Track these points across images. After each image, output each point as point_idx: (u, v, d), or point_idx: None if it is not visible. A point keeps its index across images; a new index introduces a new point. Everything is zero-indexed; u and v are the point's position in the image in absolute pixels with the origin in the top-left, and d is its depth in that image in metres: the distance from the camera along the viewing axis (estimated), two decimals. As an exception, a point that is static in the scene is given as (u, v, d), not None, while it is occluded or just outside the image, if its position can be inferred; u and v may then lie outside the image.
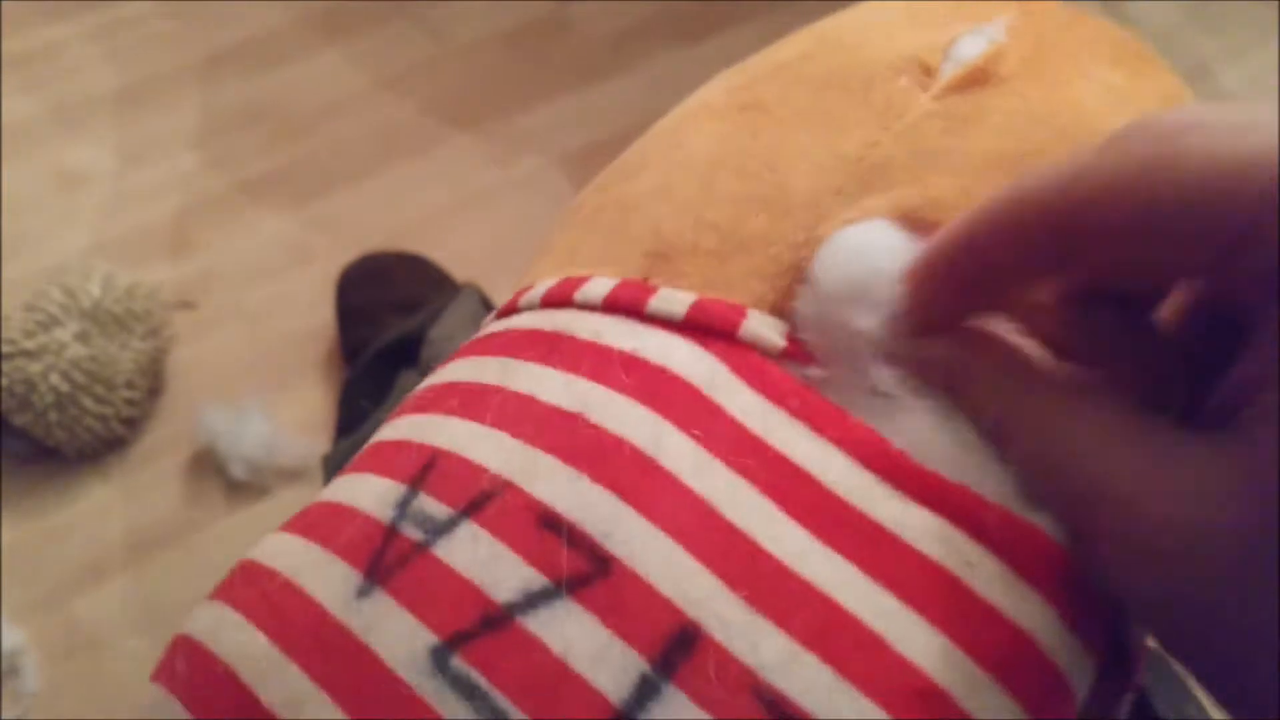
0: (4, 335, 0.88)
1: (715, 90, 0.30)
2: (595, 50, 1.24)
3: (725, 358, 0.24)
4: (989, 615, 0.20)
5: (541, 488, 0.22)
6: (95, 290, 0.91)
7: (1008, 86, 0.26)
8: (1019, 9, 0.29)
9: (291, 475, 0.92)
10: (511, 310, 0.28)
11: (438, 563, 0.22)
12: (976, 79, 0.26)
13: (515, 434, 0.23)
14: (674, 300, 0.25)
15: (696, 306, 0.25)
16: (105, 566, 0.89)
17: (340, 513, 0.24)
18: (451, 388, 0.26)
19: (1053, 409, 0.21)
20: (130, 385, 0.92)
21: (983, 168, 0.25)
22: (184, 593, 0.87)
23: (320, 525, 0.25)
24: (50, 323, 0.89)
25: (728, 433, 0.23)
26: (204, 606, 0.24)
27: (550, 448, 0.23)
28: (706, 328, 0.24)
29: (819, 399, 0.23)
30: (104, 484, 0.93)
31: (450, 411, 0.25)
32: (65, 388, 0.87)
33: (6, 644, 0.83)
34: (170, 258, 1.06)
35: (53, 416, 0.88)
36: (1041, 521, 0.21)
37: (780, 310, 0.25)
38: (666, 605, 0.21)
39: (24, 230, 1.07)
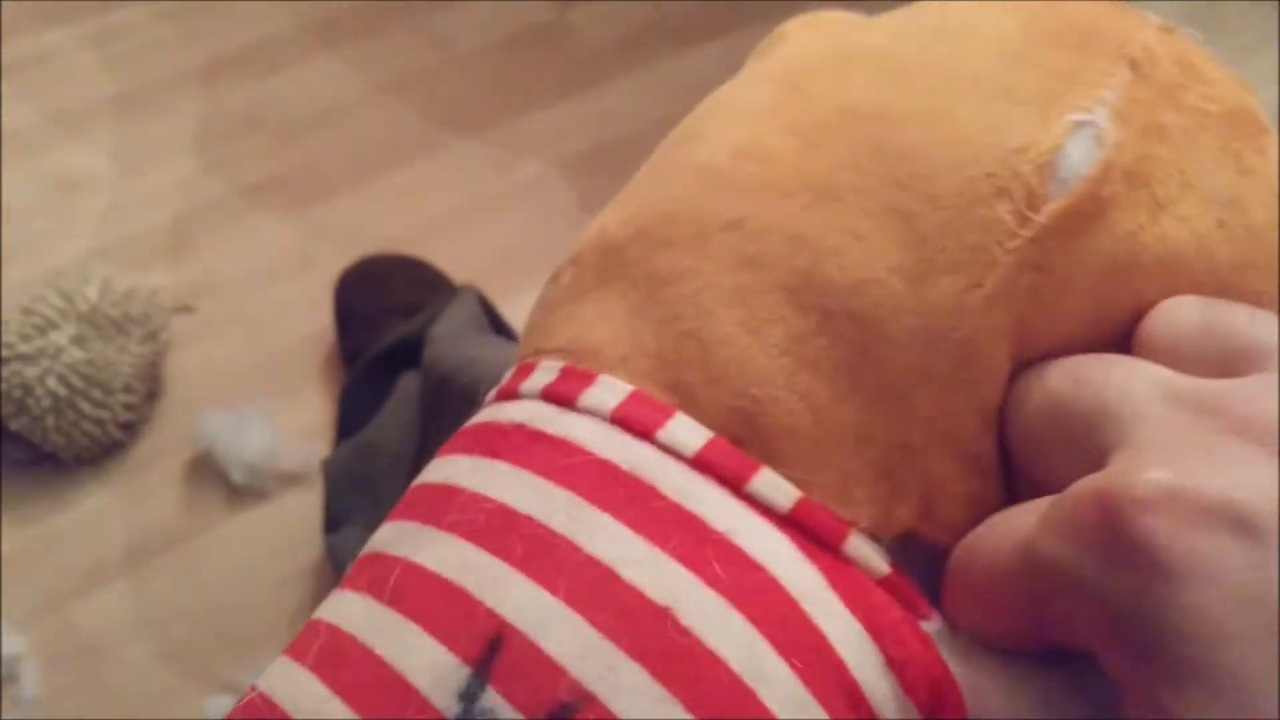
0: (1, 339, 0.88)
1: (774, 131, 0.25)
2: (596, 55, 1.24)
3: (827, 571, 0.21)
4: None
5: (630, 711, 0.20)
6: (92, 294, 0.91)
7: (1107, 218, 0.22)
8: (1128, 61, 0.24)
9: (292, 480, 0.92)
10: (569, 398, 0.24)
11: None
12: (1083, 212, 0.22)
13: (594, 622, 0.20)
14: (779, 490, 0.22)
15: (803, 507, 0.22)
16: (104, 572, 0.88)
17: (392, 686, 0.21)
18: (511, 517, 0.22)
19: None
20: (128, 389, 0.91)
21: (1060, 343, 0.23)
22: (184, 598, 0.87)
23: (372, 691, 0.21)
24: (47, 326, 0.89)
25: (828, 670, 0.20)
26: None
27: (636, 652, 0.20)
28: (809, 531, 0.22)
29: (920, 648, 0.21)
30: (103, 489, 0.93)
31: (514, 562, 0.22)
32: (62, 391, 0.87)
33: (6, 650, 0.82)
34: (169, 263, 1.06)
35: (50, 421, 0.88)
36: None
37: (881, 526, 0.22)
38: None
39: (22, 235, 1.07)
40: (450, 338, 0.79)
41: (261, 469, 0.91)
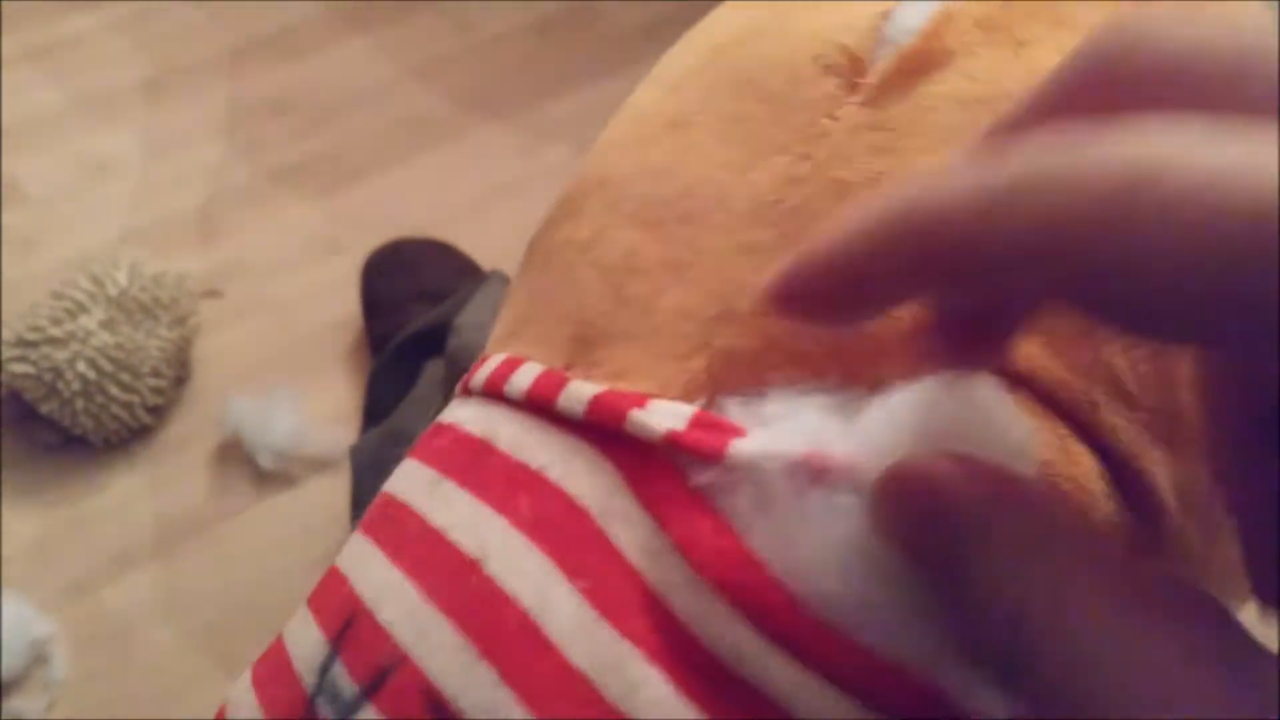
0: (31, 323, 0.89)
1: (653, 90, 0.27)
2: (623, 39, 1.23)
3: (623, 465, 0.22)
4: None
5: (433, 665, 0.21)
6: (122, 278, 0.91)
7: (956, 65, 0.22)
8: None
9: (319, 465, 0.92)
10: (464, 386, 0.26)
11: None
12: (915, 66, 0.22)
13: (422, 587, 0.22)
14: (575, 398, 0.23)
15: (593, 403, 0.22)
16: (133, 555, 0.89)
17: (282, 663, 0.24)
18: (387, 506, 0.25)
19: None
20: (156, 373, 0.91)
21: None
22: (212, 582, 0.87)
23: (270, 675, 0.24)
24: (77, 310, 0.89)
25: (615, 581, 0.21)
26: None
27: (445, 608, 0.22)
28: (602, 427, 0.22)
29: (706, 524, 0.20)
30: (131, 472, 0.93)
31: (380, 543, 0.24)
32: (92, 375, 0.87)
33: (36, 632, 0.83)
34: (198, 247, 1.06)
35: (79, 404, 0.88)
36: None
37: (691, 393, 0.22)
38: None
39: (52, 220, 1.08)
40: (475, 326, 0.78)
41: (289, 454, 0.91)
